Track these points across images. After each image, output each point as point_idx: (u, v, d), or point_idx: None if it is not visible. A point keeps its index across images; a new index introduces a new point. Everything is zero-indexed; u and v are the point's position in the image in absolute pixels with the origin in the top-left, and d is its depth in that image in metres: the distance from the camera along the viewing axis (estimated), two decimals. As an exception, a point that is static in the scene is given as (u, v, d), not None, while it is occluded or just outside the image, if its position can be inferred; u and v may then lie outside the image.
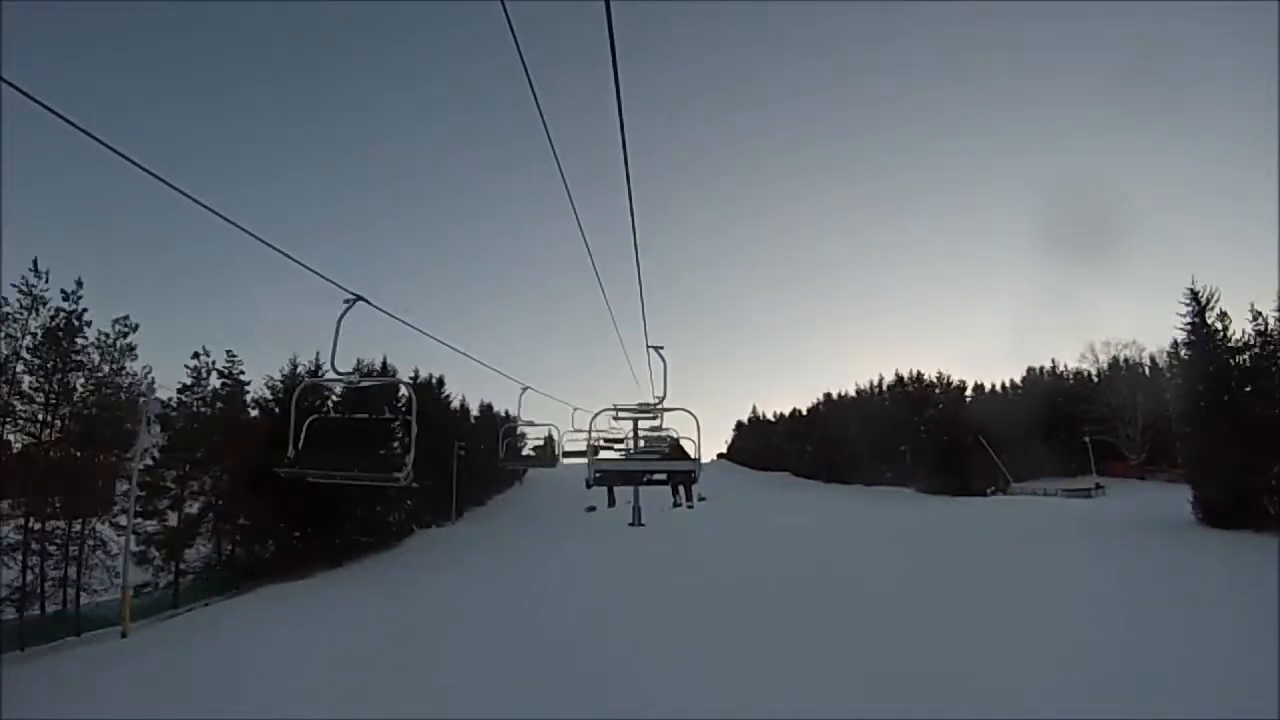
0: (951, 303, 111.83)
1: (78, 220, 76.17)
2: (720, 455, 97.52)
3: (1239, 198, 78.97)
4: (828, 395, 75.68)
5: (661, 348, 9.34)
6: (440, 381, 48.76)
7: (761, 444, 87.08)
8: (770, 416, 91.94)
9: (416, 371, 46.81)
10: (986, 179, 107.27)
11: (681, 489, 13.96)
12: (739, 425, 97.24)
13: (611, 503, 19.20)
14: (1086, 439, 51.27)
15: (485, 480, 56.56)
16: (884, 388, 69.07)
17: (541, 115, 4.00)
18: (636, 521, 36.04)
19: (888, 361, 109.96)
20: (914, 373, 64.75)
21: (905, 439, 61.10)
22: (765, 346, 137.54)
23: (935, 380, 62.67)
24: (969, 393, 63.44)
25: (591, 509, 39.92)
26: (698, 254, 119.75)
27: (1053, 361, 70.80)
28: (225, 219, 4.26)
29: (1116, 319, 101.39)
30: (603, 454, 16.45)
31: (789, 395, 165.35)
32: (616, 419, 13.21)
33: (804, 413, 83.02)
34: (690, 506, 17.67)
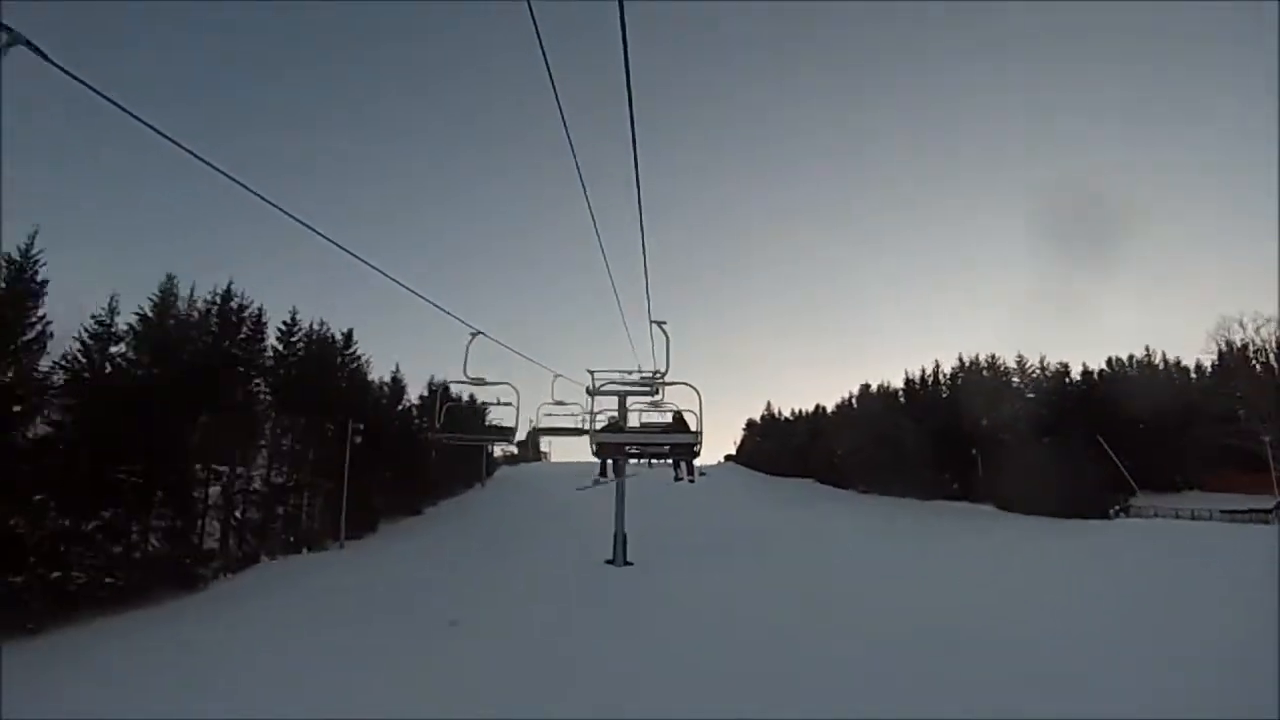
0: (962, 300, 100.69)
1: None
2: (728, 457, 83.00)
3: (1238, 197, 73.09)
4: (865, 387, 61.12)
5: (664, 323, 9.80)
6: (348, 337, 33.81)
7: (778, 445, 72.45)
8: (788, 414, 77.45)
9: (294, 313, 30.77)
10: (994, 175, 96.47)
11: (683, 464, 13.23)
12: (750, 425, 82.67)
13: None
14: (1266, 439, 36.82)
15: (424, 480, 41.84)
16: (940, 376, 54.72)
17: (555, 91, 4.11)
18: (620, 559, 21.50)
19: (908, 360, 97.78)
20: (987, 356, 50.39)
21: (977, 440, 46.66)
22: (780, 343, 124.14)
23: (1017, 364, 48.16)
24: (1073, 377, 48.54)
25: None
26: (704, 253, 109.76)
27: (1147, 349, 56.85)
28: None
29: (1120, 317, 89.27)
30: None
31: (811, 394, 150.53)
32: (594, 391, 12.31)
33: (830, 410, 68.66)
34: (691, 480, 14.11)
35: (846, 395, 64.93)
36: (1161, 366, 55.76)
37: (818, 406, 72.82)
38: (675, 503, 46.44)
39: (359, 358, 34.65)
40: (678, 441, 10.43)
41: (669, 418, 12.52)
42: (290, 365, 28.94)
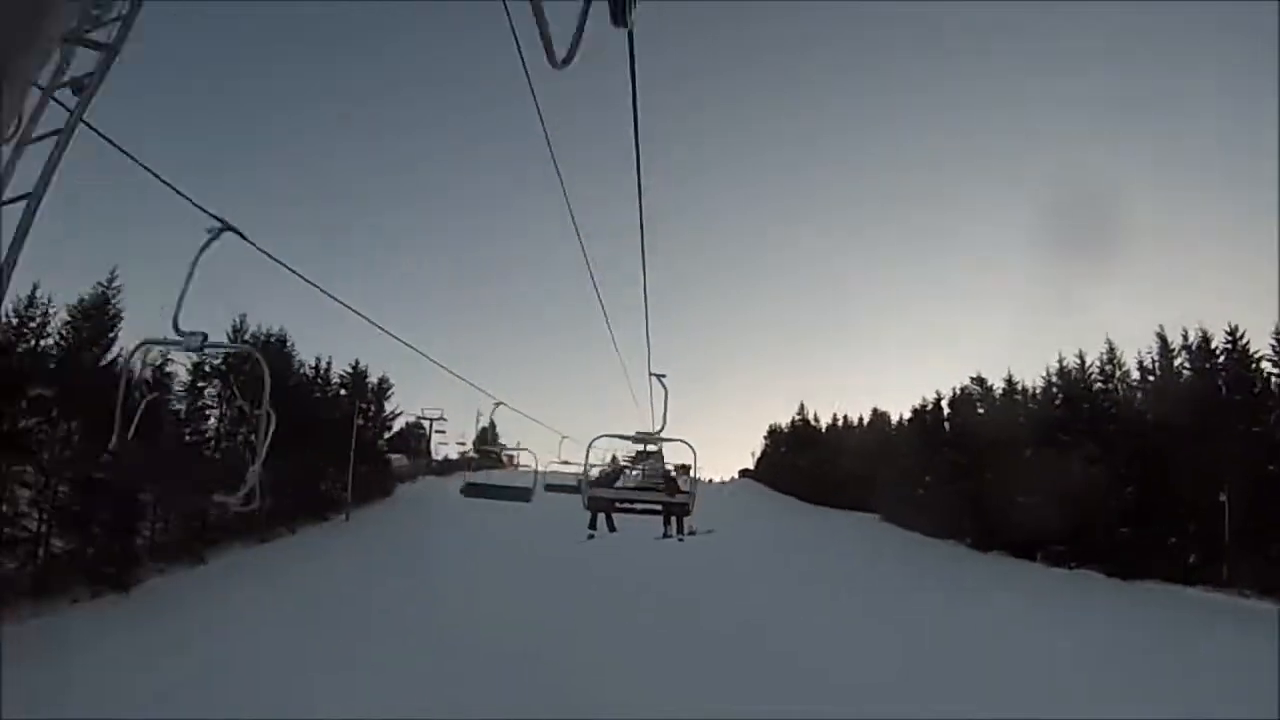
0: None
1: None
2: (744, 472, 62.56)
3: (1238, 197, 66.15)
4: (978, 380, 40.54)
5: (664, 375, 9.06)
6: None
7: (817, 462, 52.03)
8: (831, 420, 57.28)
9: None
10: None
11: (674, 520, 13.05)
12: (773, 432, 61.94)
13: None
14: None
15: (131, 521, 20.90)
16: (1105, 369, 34.47)
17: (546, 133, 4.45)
18: None
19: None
20: (1197, 333, 29.95)
21: (1214, 480, 26.65)
22: (795, 343, 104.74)
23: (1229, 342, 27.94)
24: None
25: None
26: (710, 248, 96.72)
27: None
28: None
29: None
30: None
31: (844, 397, 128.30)
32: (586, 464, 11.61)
33: (904, 418, 48.35)
34: (680, 539, 13.61)
35: (932, 396, 44.37)
36: None
37: (876, 412, 52.92)
38: (677, 586, 23.68)
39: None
40: (670, 501, 10.76)
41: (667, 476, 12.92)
42: None
